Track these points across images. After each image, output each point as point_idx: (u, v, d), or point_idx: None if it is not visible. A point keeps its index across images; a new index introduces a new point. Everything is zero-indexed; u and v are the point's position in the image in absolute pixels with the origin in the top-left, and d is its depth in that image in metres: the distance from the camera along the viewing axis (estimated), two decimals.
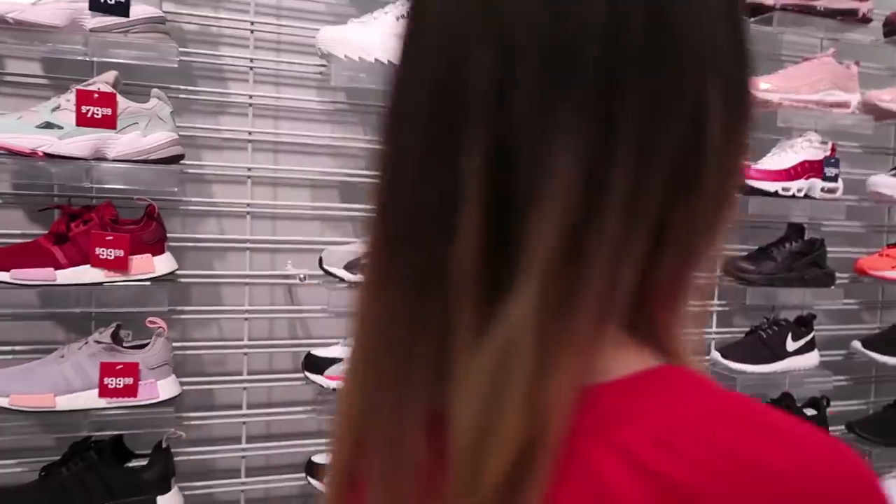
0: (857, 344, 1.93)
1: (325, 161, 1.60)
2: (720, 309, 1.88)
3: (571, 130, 0.33)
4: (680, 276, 0.39)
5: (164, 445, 1.35)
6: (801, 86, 1.75)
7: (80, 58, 1.27)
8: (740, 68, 0.37)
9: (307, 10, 1.55)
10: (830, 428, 1.90)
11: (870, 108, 1.88)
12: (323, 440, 1.54)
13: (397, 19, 1.41)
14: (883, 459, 2.00)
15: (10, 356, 1.34)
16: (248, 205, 1.50)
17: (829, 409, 1.88)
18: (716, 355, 1.79)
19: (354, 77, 1.42)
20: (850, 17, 1.78)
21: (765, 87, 1.74)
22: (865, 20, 1.79)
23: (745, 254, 1.81)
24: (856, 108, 1.81)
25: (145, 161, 1.28)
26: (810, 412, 1.85)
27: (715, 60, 0.35)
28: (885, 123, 1.92)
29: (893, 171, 1.93)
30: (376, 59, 1.38)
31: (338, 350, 1.45)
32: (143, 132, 1.28)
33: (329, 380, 1.41)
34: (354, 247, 1.45)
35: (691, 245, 0.38)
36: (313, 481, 1.44)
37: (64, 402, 1.25)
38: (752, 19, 1.76)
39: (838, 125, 1.86)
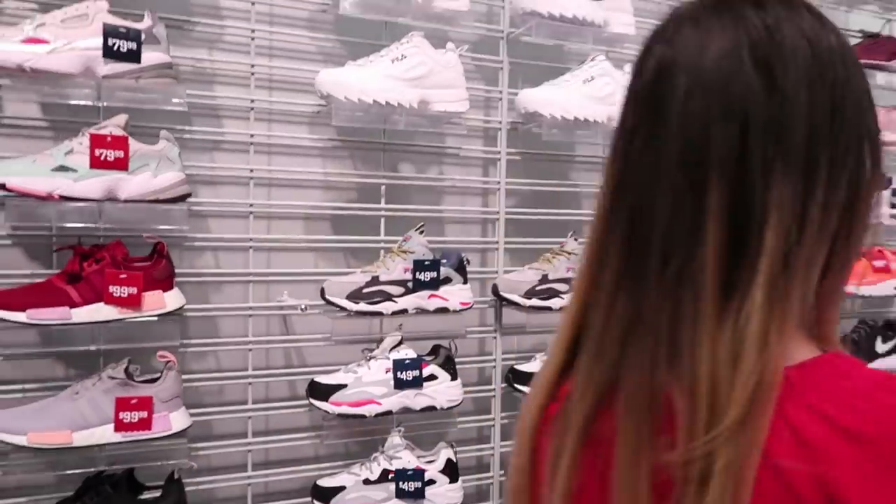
0: None
1: (318, 195, 1.67)
2: None
3: (786, 182, 0.50)
4: (837, 284, 0.56)
5: (175, 476, 1.39)
6: None
7: (87, 102, 1.31)
8: (876, 132, 0.55)
9: (302, 50, 1.62)
10: None
11: None
12: (324, 464, 1.60)
13: (392, 62, 1.50)
14: None
15: (19, 394, 1.36)
16: (251, 239, 1.56)
17: None
18: None
19: (353, 117, 1.50)
20: None
21: None
22: None
23: None
24: None
25: (156, 201, 1.33)
26: None
27: (867, 130, 0.54)
28: None
29: None
30: (374, 101, 1.46)
31: (340, 377, 1.51)
32: (153, 173, 1.33)
33: (335, 406, 1.47)
34: (355, 277, 1.52)
35: (847, 259, 0.55)
36: None
37: (81, 438, 1.28)
38: None
39: None
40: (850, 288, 2.03)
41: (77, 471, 1.35)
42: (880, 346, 2.12)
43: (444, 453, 1.57)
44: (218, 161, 1.56)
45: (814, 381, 0.50)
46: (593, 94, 1.68)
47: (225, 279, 1.58)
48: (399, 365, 1.50)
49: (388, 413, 1.50)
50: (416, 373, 1.51)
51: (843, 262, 0.55)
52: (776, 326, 0.49)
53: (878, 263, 2.09)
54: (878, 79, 2.12)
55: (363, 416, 1.48)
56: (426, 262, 1.53)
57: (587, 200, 1.92)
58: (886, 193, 2.10)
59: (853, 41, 2.13)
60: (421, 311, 1.55)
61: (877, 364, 2.11)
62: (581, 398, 0.56)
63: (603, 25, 1.69)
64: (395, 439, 1.52)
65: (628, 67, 1.69)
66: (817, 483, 0.47)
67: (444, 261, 1.57)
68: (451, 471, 1.56)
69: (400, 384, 1.50)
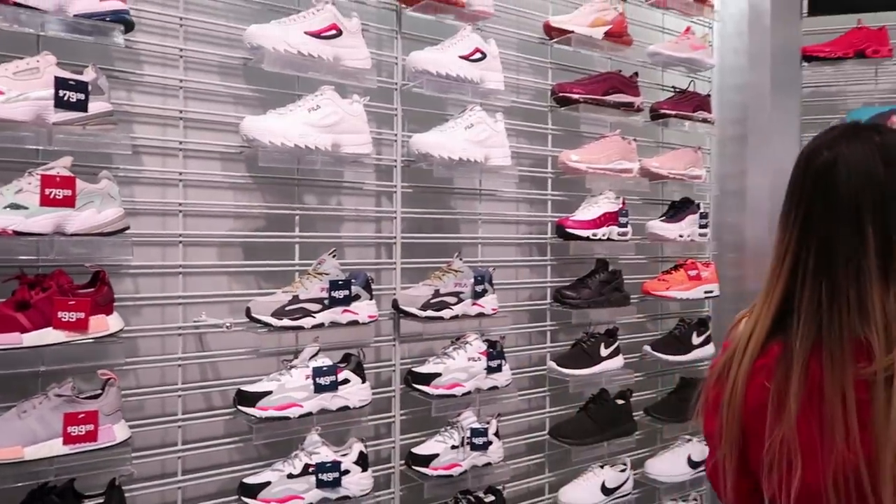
0: (647, 348, 2.58)
1: (232, 224, 1.86)
2: (553, 328, 2.41)
3: None
4: None
5: (116, 483, 1.53)
6: (600, 157, 2.35)
7: (37, 147, 1.44)
8: None
9: (225, 93, 1.82)
10: (634, 413, 2.51)
11: (645, 172, 2.55)
12: (250, 465, 1.79)
13: (309, 111, 1.74)
14: (670, 433, 2.65)
15: None
16: (182, 266, 1.72)
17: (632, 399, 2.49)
18: (551, 364, 2.31)
19: (276, 158, 1.72)
20: (629, 107, 2.42)
21: (575, 158, 2.31)
22: (639, 110, 2.45)
23: (568, 284, 2.36)
24: (636, 172, 2.46)
25: (101, 234, 1.48)
26: (620, 401, 2.43)
27: None
28: (655, 182, 2.60)
29: (663, 217, 2.62)
30: (295, 145, 1.70)
31: (265, 385, 1.71)
32: (98, 209, 1.47)
33: (261, 410, 1.67)
34: (278, 297, 1.73)
35: None
36: (248, 501, 1.68)
37: (31, 452, 1.39)
38: (562, 107, 2.34)
39: (626, 185, 2.50)
40: (672, 293, 2.53)
41: (20, 484, 1.45)
42: (696, 339, 2.64)
43: (356, 447, 1.82)
44: (139, 195, 1.71)
45: None
46: (472, 138, 2.03)
47: (145, 303, 1.72)
48: (318, 371, 1.74)
49: (310, 414, 1.73)
50: (333, 378, 1.76)
51: None
52: None
53: (692, 273, 2.62)
54: (686, 126, 2.67)
55: (288, 418, 1.70)
56: (340, 282, 1.78)
57: (467, 225, 2.26)
58: (695, 217, 2.64)
59: (666, 95, 2.66)
60: (335, 325, 1.79)
61: (693, 353, 2.63)
62: (800, 347, 1.00)
63: (479, 82, 2.04)
64: (313, 437, 1.75)
65: (500, 115, 2.07)
66: None
67: (353, 280, 1.83)
68: (363, 461, 1.82)
69: (319, 388, 1.74)
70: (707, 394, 1.11)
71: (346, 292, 1.79)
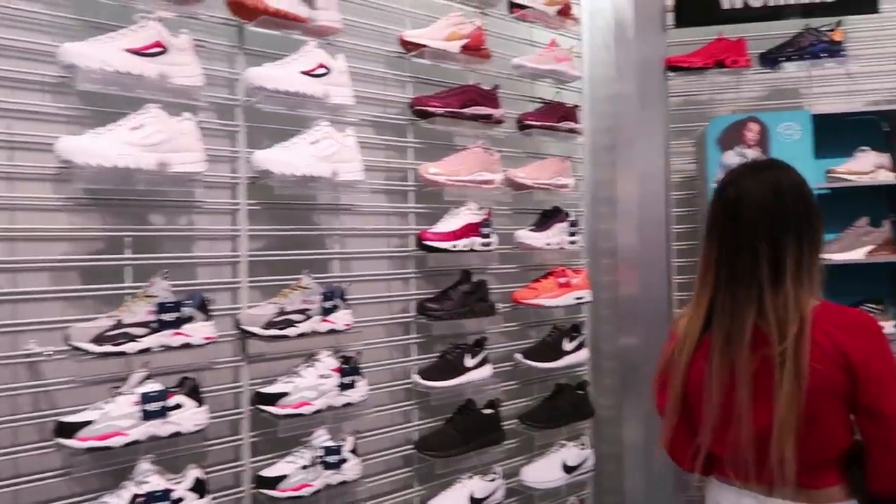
0: (519, 356, 2.61)
1: (65, 247, 1.79)
2: (418, 341, 2.41)
3: (789, 238, 1.34)
4: (816, 277, 1.38)
5: None
6: (460, 169, 2.37)
7: None
8: (818, 215, 1.39)
9: (57, 114, 1.75)
10: (505, 423, 2.53)
11: (510, 183, 2.58)
12: (84, 498, 1.71)
13: (131, 130, 1.70)
14: (544, 439, 2.69)
15: None
16: (9, 293, 1.65)
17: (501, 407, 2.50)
18: (416, 377, 2.31)
19: (96, 178, 1.67)
20: (488, 119, 2.45)
21: (434, 171, 2.33)
22: (499, 122, 2.49)
23: (431, 296, 2.37)
24: (499, 183, 2.49)
25: None
26: (489, 411, 2.45)
27: (815, 216, 1.38)
28: (522, 193, 2.64)
29: (531, 227, 2.66)
30: (115, 165, 1.65)
31: (87, 414, 1.65)
32: None
33: (81, 441, 1.61)
34: (100, 322, 1.68)
35: (818, 268, 1.38)
36: None
37: None
38: (422, 120, 2.35)
39: (492, 195, 2.53)
40: (541, 301, 2.57)
41: None
42: (567, 346, 2.69)
43: (193, 473, 1.77)
44: None
45: (822, 312, 1.32)
46: (318, 153, 2.01)
47: None
48: (146, 397, 1.69)
49: (136, 443, 1.68)
50: (163, 403, 1.71)
51: (818, 269, 1.37)
52: (800, 294, 1.32)
53: (562, 280, 2.67)
54: (556, 135, 2.72)
55: (110, 448, 1.64)
56: (168, 304, 1.74)
57: (331, 240, 2.24)
58: (564, 225, 2.69)
59: (534, 106, 2.71)
60: (168, 348, 1.75)
61: (565, 359, 2.67)
62: (720, 338, 1.36)
63: (323, 97, 2.03)
64: (143, 465, 1.70)
65: (350, 130, 2.06)
66: (835, 347, 1.29)
67: (188, 301, 1.79)
68: (200, 488, 1.77)
69: (148, 415, 1.69)
70: (659, 377, 1.50)
71: (177, 314, 1.75)
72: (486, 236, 2.42)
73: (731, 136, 2.84)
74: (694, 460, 1.41)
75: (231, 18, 2.00)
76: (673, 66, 2.92)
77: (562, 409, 2.65)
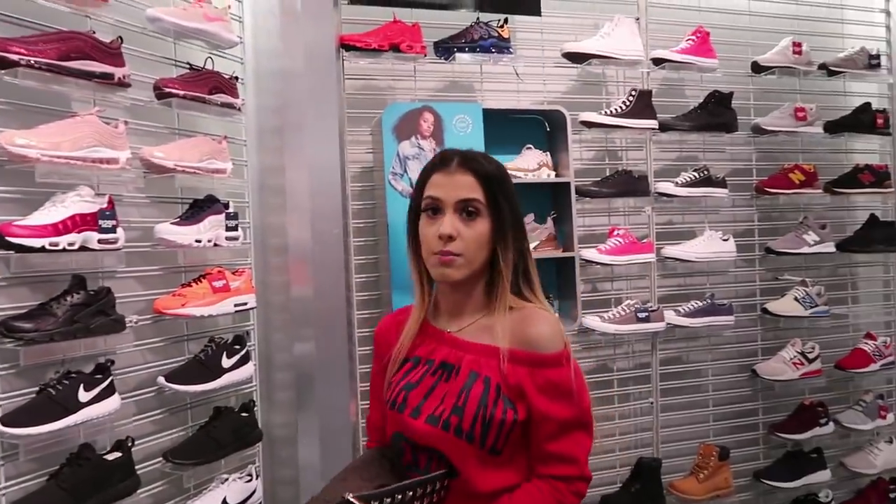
0: (161, 379, 2.09)
1: None
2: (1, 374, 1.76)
3: (510, 242, 1.45)
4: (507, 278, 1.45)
5: None
6: (63, 142, 1.78)
7: None
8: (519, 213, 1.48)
9: None
10: (148, 464, 2.01)
11: (147, 164, 2.06)
12: None
13: None
14: (199, 477, 2.22)
15: None
16: None
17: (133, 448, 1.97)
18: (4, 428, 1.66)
19: None
20: (108, 79, 1.90)
21: (22, 141, 1.71)
22: (123, 84, 1.95)
23: (22, 312, 1.75)
24: (126, 163, 1.95)
25: None
26: (114, 456, 1.90)
27: (519, 214, 1.47)
28: (164, 177, 2.13)
29: (177, 219, 2.17)
30: None
31: None
32: None
33: None
34: None
35: (527, 270, 1.49)
36: None
37: None
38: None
39: (119, 178, 1.98)
40: (190, 310, 2.10)
41: None
42: (226, 362, 2.25)
43: None
44: None
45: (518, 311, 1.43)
46: None
47: None
48: None
49: None
50: None
51: (524, 270, 1.47)
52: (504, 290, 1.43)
53: (218, 283, 2.22)
54: (212, 111, 2.26)
55: None
56: None
57: None
58: (219, 217, 2.25)
59: (182, 71, 2.22)
60: None
61: (224, 378, 2.23)
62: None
63: None
64: None
65: None
66: None
67: None
68: None
69: None
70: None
71: None
72: (109, 230, 1.87)
73: (407, 126, 2.69)
74: None
75: None
76: (348, 46, 2.67)
77: (219, 437, 2.20)
